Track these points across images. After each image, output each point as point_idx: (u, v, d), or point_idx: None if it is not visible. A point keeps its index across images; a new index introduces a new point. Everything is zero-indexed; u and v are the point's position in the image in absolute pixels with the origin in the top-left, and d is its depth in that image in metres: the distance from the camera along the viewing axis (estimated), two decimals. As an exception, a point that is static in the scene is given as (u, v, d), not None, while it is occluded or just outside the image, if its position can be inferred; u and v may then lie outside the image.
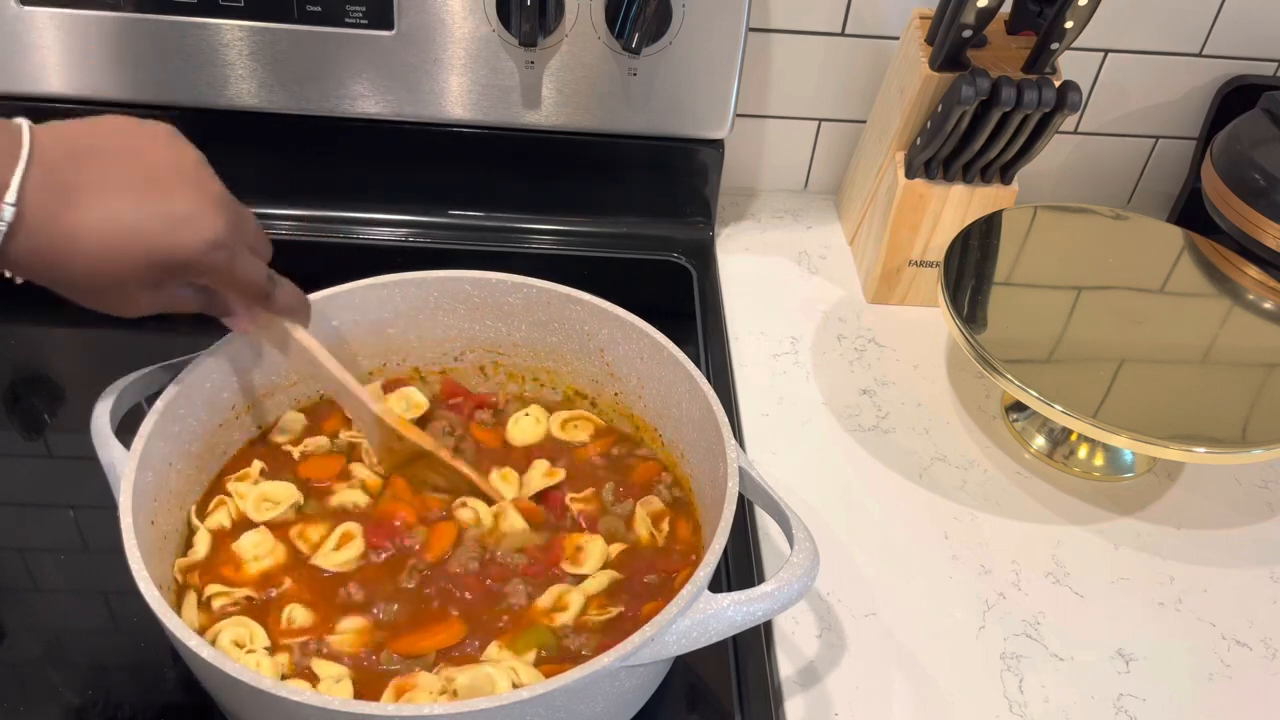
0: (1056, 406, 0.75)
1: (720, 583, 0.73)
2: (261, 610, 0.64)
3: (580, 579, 0.67)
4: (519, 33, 0.89)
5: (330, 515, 0.70)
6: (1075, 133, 1.11)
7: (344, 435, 0.75)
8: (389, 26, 0.90)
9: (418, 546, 0.68)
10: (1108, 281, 0.89)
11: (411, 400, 0.77)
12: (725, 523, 0.59)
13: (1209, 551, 0.80)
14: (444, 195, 1.03)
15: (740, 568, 0.74)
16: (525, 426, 0.77)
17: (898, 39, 0.99)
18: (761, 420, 0.87)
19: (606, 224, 1.04)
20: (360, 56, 0.92)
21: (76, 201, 0.52)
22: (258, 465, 0.72)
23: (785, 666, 0.70)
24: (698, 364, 0.70)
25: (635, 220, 1.04)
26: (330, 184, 1.01)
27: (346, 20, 0.89)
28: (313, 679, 0.60)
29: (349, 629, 0.63)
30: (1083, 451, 0.85)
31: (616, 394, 0.77)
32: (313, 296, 0.72)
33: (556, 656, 0.63)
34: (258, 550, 0.67)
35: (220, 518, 0.69)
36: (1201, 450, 0.74)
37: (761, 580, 0.68)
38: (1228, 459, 0.75)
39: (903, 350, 0.95)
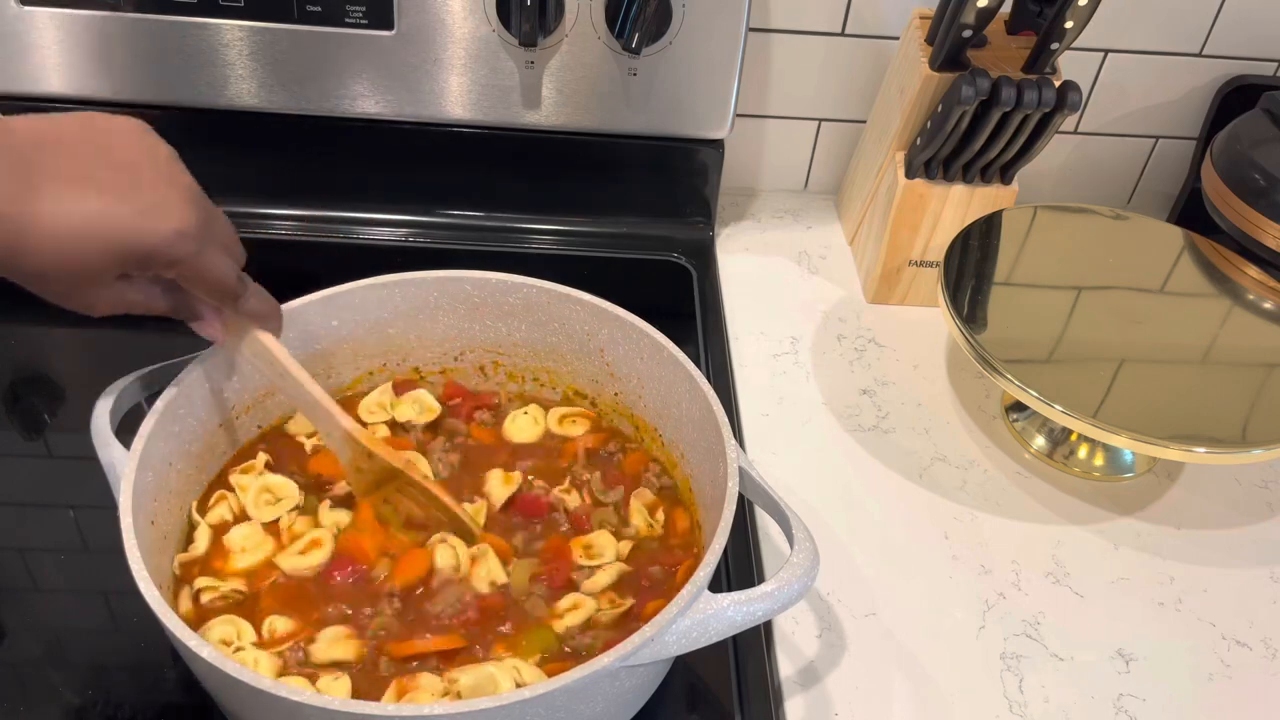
0: (1056, 406, 0.75)
1: (720, 583, 0.73)
2: (249, 607, 0.64)
3: (594, 570, 0.67)
4: (519, 33, 0.89)
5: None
6: (1075, 133, 1.11)
7: None
8: (389, 26, 0.90)
9: (383, 577, 0.66)
10: (1108, 281, 0.89)
11: (424, 404, 0.77)
12: (725, 523, 0.59)
13: (1209, 551, 0.80)
14: (444, 195, 1.02)
15: (740, 568, 0.74)
16: (523, 424, 0.77)
17: (898, 39, 0.99)
18: (761, 420, 0.87)
19: (606, 224, 1.04)
20: (360, 56, 0.92)
21: (44, 191, 0.51)
22: (263, 458, 0.72)
23: (785, 666, 0.70)
24: (698, 364, 0.70)
25: (635, 220, 1.04)
26: (330, 184, 1.01)
27: (346, 20, 0.89)
28: (312, 676, 0.60)
29: (331, 638, 0.62)
30: (1083, 451, 0.85)
31: (616, 394, 0.77)
32: (313, 296, 0.73)
33: (560, 655, 0.63)
34: (245, 543, 0.67)
35: (222, 512, 0.69)
36: (1201, 450, 0.74)
37: (761, 580, 0.68)
38: (1228, 459, 0.75)
39: (903, 350, 0.95)
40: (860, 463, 0.84)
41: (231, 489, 0.70)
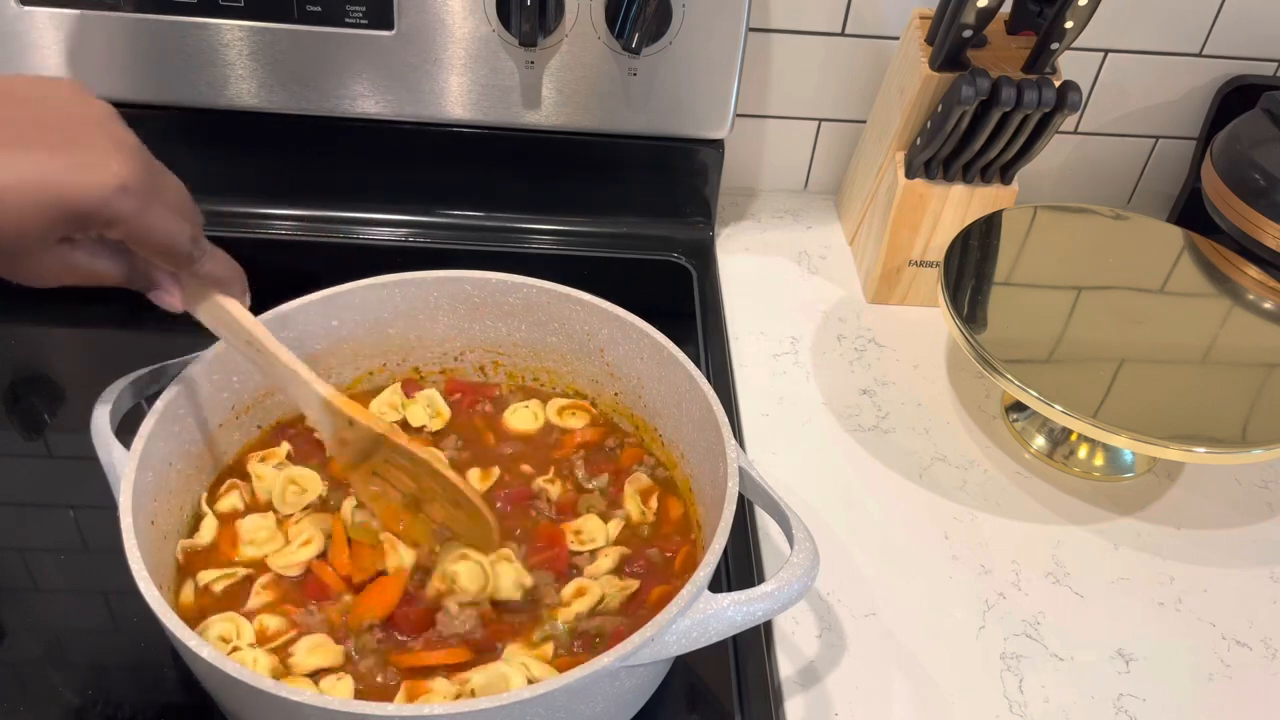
0: (1056, 406, 0.76)
1: (720, 583, 0.73)
2: (243, 593, 0.64)
3: (593, 554, 0.67)
4: (519, 33, 0.89)
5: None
6: (1075, 133, 1.11)
7: None
8: (389, 26, 0.90)
9: (349, 614, 0.63)
10: (1108, 281, 0.89)
11: (435, 407, 0.77)
12: (725, 523, 0.59)
13: (1209, 551, 0.80)
14: (444, 195, 1.02)
15: (740, 568, 0.74)
16: (524, 416, 0.77)
17: (898, 39, 0.99)
18: (761, 420, 0.87)
19: (606, 224, 1.04)
20: (360, 56, 0.92)
21: None
22: (285, 447, 0.72)
23: (785, 666, 0.70)
24: (698, 364, 0.70)
25: (635, 220, 1.04)
26: (330, 184, 1.01)
27: (346, 20, 0.89)
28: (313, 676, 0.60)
29: (310, 646, 0.61)
30: (1083, 451, 0.85)
31: (616, 394, 0.77)
32: (313, 296, 0.73)
33: (569, 645, 0.63)
34: (255, 535, 0.67)
35: (233, 500, 0.69)
36: (1201, 450, 0.74)
37: (761, 580, 0.68)
38: (1228, 459, 0.75)
39: (903, 350, 0.95)
40: (860, 463, 0.84)
41: (245, 477, 0.70)
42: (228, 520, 0.68)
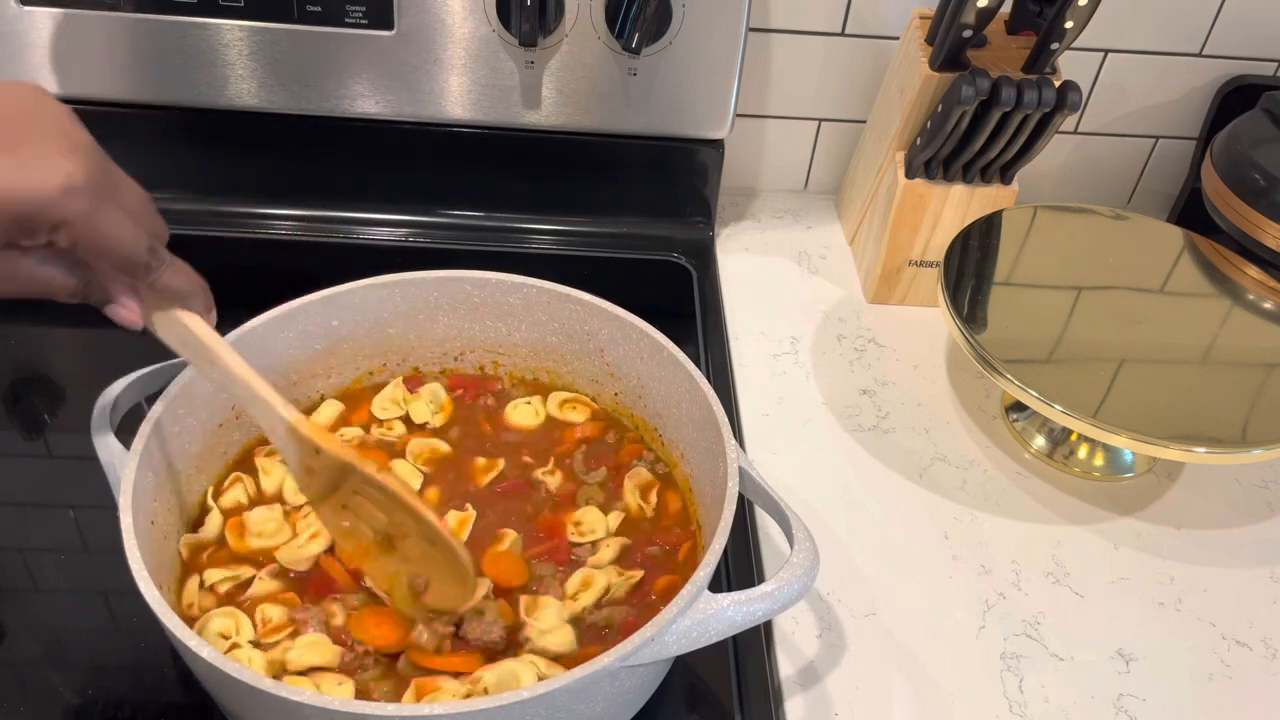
0: (1056, 406, 0.76)
1: (720, 583, 0.73)
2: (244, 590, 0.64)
3: (594, 545, 0.68)
4: (519, 33, 0.89)
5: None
6: (1075, 133, 1.11)
7: (375, 431, 0.75)
8: (389, 26, 0.90)
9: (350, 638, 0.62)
10: (1108, 281, 0.89)
11: (439, 402, 0.77)
12: (725, 523, 0.59)
13: (1209, 551, 0.80)
14: (444, 195, 1.03)
15: (740, 568, 0.74)
16: (525, 413, 0.77)
17: (898, 39, 0.99)
18: (761, 420, 0.87)
19: (606, 224, 1.04)
20: (360, 56, 0.92)
21: None
22: None
23: (785, 666, 0.70)
24: (698, 364, 0.70)
25: (635, 220, 1.04)
26: (330, 184, 1.01)
27: (346, 20, 0.89)
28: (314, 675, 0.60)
29: (307, 643, 0.61)
30: (1083, 451, 0.85)
31: (616, 394, 0.77)
32: (313, 296, 0.73)
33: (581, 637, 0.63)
34: (262, 528, 0.67)
35: (237, 494, 0.69)
36: (1201, 450, 0.74)
37: (761, 580, 0.68)
38: (1228, 459, 0.75)
39: (903, 350, 0.95)
40: (860, 463, 0.84)
41: (251, 471, 0.70)
42: (232, 514, 0.68)
